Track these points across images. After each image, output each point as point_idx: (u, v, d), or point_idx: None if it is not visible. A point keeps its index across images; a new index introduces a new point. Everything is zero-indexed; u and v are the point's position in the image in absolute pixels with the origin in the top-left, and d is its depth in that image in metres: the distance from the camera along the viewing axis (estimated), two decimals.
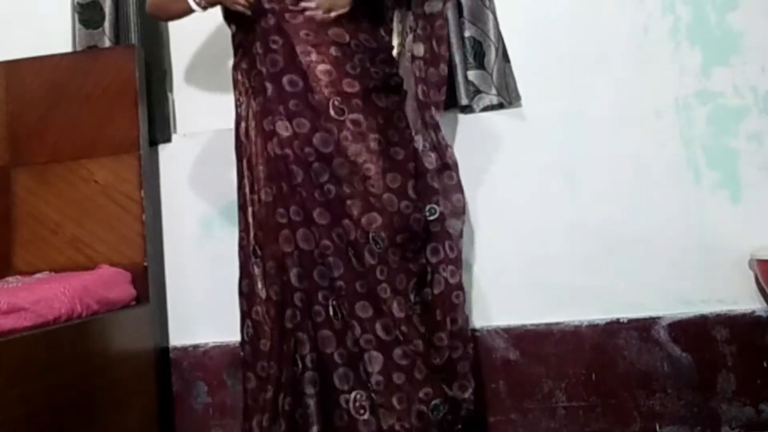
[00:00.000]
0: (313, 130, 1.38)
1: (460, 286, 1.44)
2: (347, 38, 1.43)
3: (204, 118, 1.92)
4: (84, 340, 1.47)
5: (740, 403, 1.65)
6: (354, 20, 1.46)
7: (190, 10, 1.49)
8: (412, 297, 1.36)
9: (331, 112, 1.39)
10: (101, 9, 1.93)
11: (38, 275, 1.70)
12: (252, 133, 1.46)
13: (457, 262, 1.45)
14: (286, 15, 1.42)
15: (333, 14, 1.41)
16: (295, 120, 1.39)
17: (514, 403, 1.73)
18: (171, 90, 1.99)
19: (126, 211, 1.78)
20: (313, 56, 1.40)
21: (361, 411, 1.32)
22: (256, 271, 1.43)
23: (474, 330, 1.75)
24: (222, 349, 1.83)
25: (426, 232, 1.43)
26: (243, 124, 1.49)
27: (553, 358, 1.72)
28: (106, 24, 1.93)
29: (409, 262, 1.37)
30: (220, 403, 1.83)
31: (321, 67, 1.40)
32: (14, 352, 1.24)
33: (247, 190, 1.46)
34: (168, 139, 1.95)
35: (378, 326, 1.33)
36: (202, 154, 1.93)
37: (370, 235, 1.34)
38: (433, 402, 1.32)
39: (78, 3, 1.95)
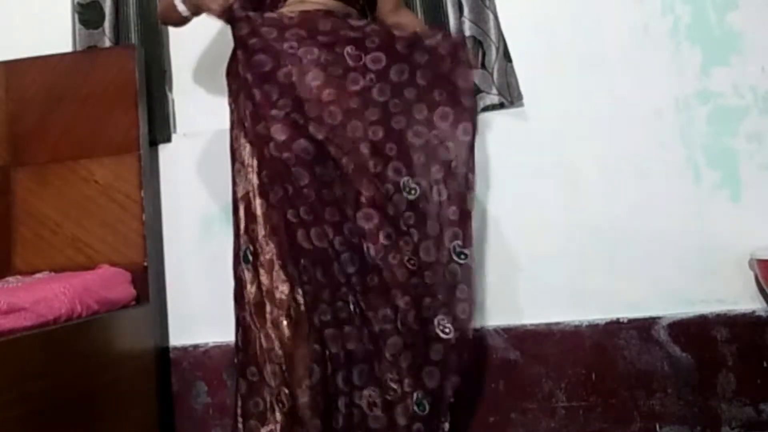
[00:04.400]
0: (309, 130, 1.38)
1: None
2: (331, 43, 1.42)
3: (204, 118, 1.92)
4: (84, 340, 1.47)
5: (740, 403, 1.65)
6: (344, 16, 1.46)
7: (184, 18, 1.52)
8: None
9: (325, 109, 1.38)
10: (101, 9, 1.94)
11: (38, 275, 1.70)
12: (244, 137, 1.46)
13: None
14: (262, 21, 1.42)
15: None
16: (289, 122, 1.39)
17: (514, 403, 1.73)
18: (171, 90, 1.99)
19: (126, 211, 1.78)
20: (296, 60, 1.40)
21: (374, 408, 1.33)
22: (246, 275, 1.43)
23: (474, 330, 1.75)
24: (222, 349, 1.83)
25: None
26: (235, 128, 1.49)
27: (553, 358, 1.72)
28: (106, 24, 1.93)
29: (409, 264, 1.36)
30: (220, 403, 1.83)
31: (306, 68, 1.39)
32: (14, 352, 1.23)
33: (240, 194, 1.46)
34: (168, 139, 1.95)
35: (384, 317, 1.34)
36: (202, 154, 1.93)
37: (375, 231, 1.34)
38: (415, 394, 1.32)
39: (78, 3, 1.95)
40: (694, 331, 1.68)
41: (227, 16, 1.44)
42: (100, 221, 1.78)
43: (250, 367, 1.42)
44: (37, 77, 1.88)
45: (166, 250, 1.93)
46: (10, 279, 1.67)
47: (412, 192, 1.36)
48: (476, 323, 1.75)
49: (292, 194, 1.38)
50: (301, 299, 1.38)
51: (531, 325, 1.74)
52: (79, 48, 1.94)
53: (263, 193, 1.42)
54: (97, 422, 1.45)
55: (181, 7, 1.49)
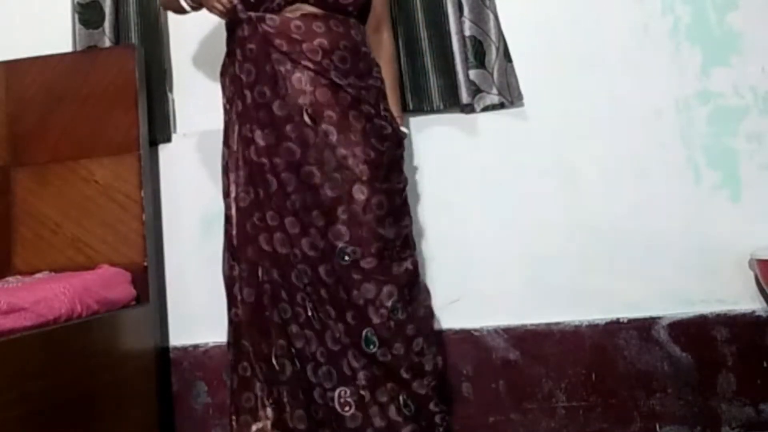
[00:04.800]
0: (283, 140, 1.39)
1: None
2: (326, 47, 1.42)
3: (204, 118, 1.92)
4: (84, 340, 1.47)
5: (740, 403, 1.65)
6: (337, 27, 1.45)
7: (183, 8, 1.53)
8: (388, 304, 1.35)
9: (306, 120, 1.39)
10: (101, 9, 1.94)
11: (38, 275, 1.70)
12: (233, 137, 1.47)
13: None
14: (263, 23, 1.42)
15: None
16: (266, 130, 1.41)
17: (514, 403, 1.73)
18: (171, 90, 1.99)
19: (126, 211, 1.78)
20: (288, 65, 1.40)
21: (347, 408, 1.34)
22: (236, 273, 1.45)
23: (474, 330, 1.75)
24: (222, 349, 1.82)
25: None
26: (227, 128, 1.51)
27: (553, 358, 1.72)
28: (106, 24, 1.93)
29: (377, 273, 1.36)
30: (220, 403, 1.83)
31: (296, 75, 1.40)
32: (14, 352, 1.23)
33: (230, 193, 1.48)
34: (168, 139, 1.95)
35: (340, 330, 1.35)
36: (202, 154, 1.93)
37: (339, 247, 1.35)
38: (401, 397, 1.34)
39: (78, 3, 1.95)
40: (694, 331, 1.68)
41: (230, 16, 1.44)
42: (100, 221, 1.79)
43: (242, 362, 1.44)
44: (37, 77, 1.88)
45: (166, 250, 1.93)
46: (10, 279, 1.67)
47: (345, 258, 1.36)
48: (476, 323, 1.76)
49: (263, 198, 1.41)
50: (248, 299, 1.42)
51: (531, 325, 1.74)
52: (79, 48, 1.94)
53: (239, 194, 1.45)
54: (97, 422, 1.45)
55: (184, 2, 1.50)
